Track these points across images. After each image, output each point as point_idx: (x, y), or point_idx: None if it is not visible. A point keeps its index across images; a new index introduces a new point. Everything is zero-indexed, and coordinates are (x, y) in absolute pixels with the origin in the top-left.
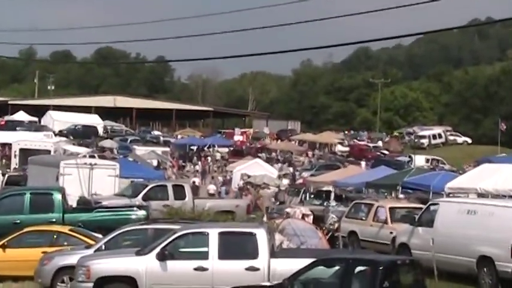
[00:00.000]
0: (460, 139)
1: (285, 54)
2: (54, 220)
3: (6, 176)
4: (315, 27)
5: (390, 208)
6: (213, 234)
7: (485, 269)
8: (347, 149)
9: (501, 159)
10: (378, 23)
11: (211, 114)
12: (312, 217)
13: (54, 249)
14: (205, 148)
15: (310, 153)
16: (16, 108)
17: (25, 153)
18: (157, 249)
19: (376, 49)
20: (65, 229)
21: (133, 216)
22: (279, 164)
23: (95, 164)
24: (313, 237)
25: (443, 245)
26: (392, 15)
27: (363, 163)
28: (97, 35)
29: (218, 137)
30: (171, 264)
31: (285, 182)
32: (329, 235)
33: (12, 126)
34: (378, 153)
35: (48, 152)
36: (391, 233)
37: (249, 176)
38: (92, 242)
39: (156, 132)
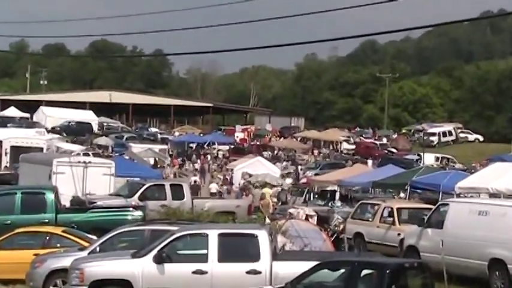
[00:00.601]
0: (471, 137)
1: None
2: (46, 221)
3: None
4: (319, 20)
5: (398, 209)
6: (213, 235)
7: (497, 273)
8: (353, 147)
9: None
10: (385, 15)
11: (210, 110)
12: (316, 218)
13: (46, 252)
14: (205, 146)
15: (316, 151)
16: (7, 104)
17: (16, 150)
18: (154, 252)
19: (384, 42)
20: (58, 230)
21: (129, 217)
22: (283, 163)
23: (89, 162)
24: (317, 239)
25: (454, 247)
26: (400, 7)
27: (370, 162)
28: (92, 27)
29: (218, 134)
30: (168, 267)
31: (288, 181)
32: (334, 237)
33: (2, 122)
34: (386, 151)
35: (41, 149)
36: (398, 234)
37: (250, 175)
38: (86, 244)
39: (154, 129)
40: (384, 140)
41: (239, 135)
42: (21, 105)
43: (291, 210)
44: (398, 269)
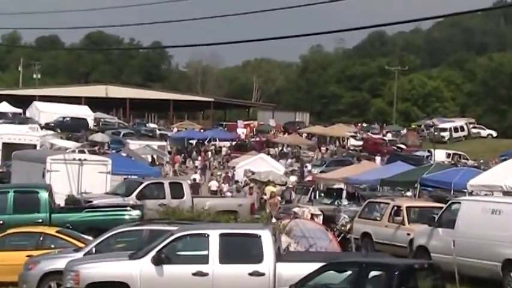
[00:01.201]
0: (484, 132)
1: (293, 39)
2: (40, 221)
3: None
4: (325, 10)
5: (407, 207)
6: (214, 236)
7: (511, 274)
8: (360, 143)
9: None
10: (393, 5)
11: (211, 105)
12: (321, 217)
13: (40, 253)
14: (206, 142)
15: (323, 148)
16: None
17: (9, 147)
18: (153, 253)
19: (392, 33)
20: (52, 230)
21: (126, 217)
22: (288, 160)
23: (85, 160)
24: (323, 239)
25: (465, 247)
26: None
27: (378, 158)
28: (87, 18)
29: (219, 130)
30: (167, 268)
31: (293, 179)
32: (340, 237)
33: None
34: (394, 147)
35: (34, 146)
36: (408, 234)
37: (253, 173)
38: (81, 245)
39: (152, 125)
40: (389, 135)
41: (242, 131)
42: (14, 100)
43: (296, 209)
44: (408, 270)
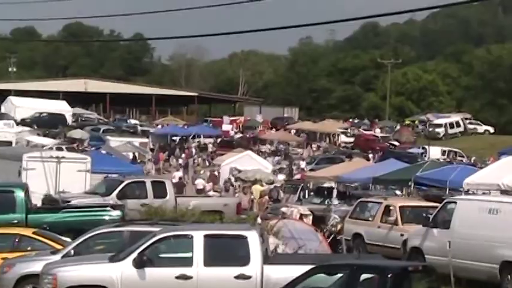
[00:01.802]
0: (481, 128)
1: (281, 31)
2: (15, 221)
3: None
4: (315, 0)
5: (401, 207)
6: (198, 237)
7: (509, 276)
8: (351, 139)
9: None
10: None
11: (196, 99)
12: (311, 217)
13: (15, 255)
14: (190, 139)
15: (314, 145)
16: None
17: None
18: (134, 255)
19: (386, 24)
20: (29, 232)
21: (106, 217)
22: (275, 157)
23: (63, 158)
24: (312, 241)
25: (462, 248)
26: None
27: (370, 156)
28: (65, 8)
29: (204, 126)
30: (149, 271)
31: (281, 177)
32: (331, 238)
33: None
34: (387, 144)
35: (9, 143)
36: (401, 235)
37: (239, 171)
38: (59, 247)
39: (133, 121)
40: (378, 131)
41: (229, 127)
42: None
43: (284, 209)
44: (402, 272)
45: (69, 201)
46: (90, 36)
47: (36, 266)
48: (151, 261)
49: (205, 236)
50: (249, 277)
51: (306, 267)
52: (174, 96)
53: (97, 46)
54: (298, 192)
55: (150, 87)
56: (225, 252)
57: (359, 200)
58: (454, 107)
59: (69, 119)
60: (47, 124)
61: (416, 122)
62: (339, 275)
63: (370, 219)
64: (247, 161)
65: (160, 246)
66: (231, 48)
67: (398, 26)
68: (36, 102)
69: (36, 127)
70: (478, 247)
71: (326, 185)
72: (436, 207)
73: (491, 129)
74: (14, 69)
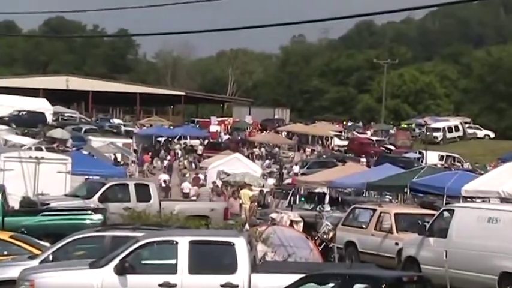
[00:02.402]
0: (481, 132)
1: (273, 28)
2: None
3: None
4: None
5: (396, 214)
6: (183, 243)
7: None
8: (345, 143)
9: None
10: None
11: (182, 99)
12: (301, 224)
13: None
14: (175, 140)
15: (308, 149)
16: None
17: None
18: (116, 261)
19: (382, 23)
20: (5, 236)
21: (87, 221)
22: (266, 161)
23: (42, 158)
24: (303, 248)
25: (459, 258)
26: None
27: (364, 160)
28: (46, 2)
29: (191, 127)
30: (132, 279)
31: (271, 181)
32: (322, 246)
33: None
34: (382, 148)
35: None
36: (396, 244)
37: (227, 175)
38: (37, 252)
39: (116, 121)
40: (367, 133)
41: (216, 128)
42: None
43: (274, 215)
44: (396, 283)
45: (48, 204)
46: (73, 31)
47: (12, 272)
48: (133, 268)
49: (191, 242)
50: (236, 286)
51: (296, 277)
52: (159, 95)
53: (79, 42)
54: (288, 197)
55: (134, 85)
56: (211, 259)
57: (352, 207)
58: (452, 110)
59: (50, 118)
60: (26, 123)
61: (413, 125)
62: (331, 285)
63: (363, 226)
64: (235, 164)
65: (143, 253)
66: (219, 46)
67: (395, 25)
68: (15, 99)
69: (14, 126)
70: (476, 257)
71: (318, 190)
72: (433, 215)
73: (492, 134)
74: None
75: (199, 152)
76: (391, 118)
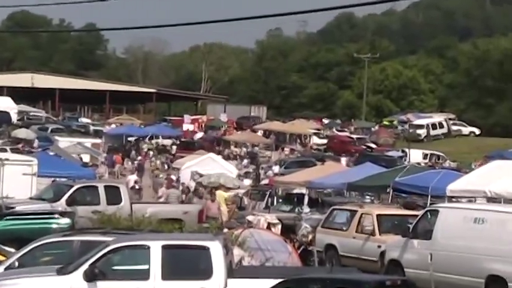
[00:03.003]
0: (466, 129)
1: (248, 22)
2: None
3: None
4: None
5: (378, 216)
6: (156, 248)
7: None
8: (325, 141)
9: None
10: None
11: (154, 96)
12: (279, 227)
13: None
14: (147, 139)
15: (287, 148)
16: None
17: None
18: (85, 267)
19: (362, 15)
20: None
21: (54, 225)
22: (244, 160)
23: (6, 160)
24: (281, 252)
25: (444, 261)
26: None
27: (344, 159)
28: None
29: (163, 126)
30: (102, 285)
31: (247, 182)
32: (301, 249)
33: None
34: (364, 146)
35: None
36: (379, 246)
37: (201, 175)
38: (1, 258)
39: (85, 120)
40: (346, 131)
41: (189, 126)
42: None
43: (250, 218)
44: (379, 287)
45: (13, 208)
46: (38, 26)
47: None
48: (103, 274)
49: (164, 247)
50: None
51: (274, 281)
52: (130, 92)
53: (45, 37)
54: (265, 198)
55: (103, 82)
56: (185, 264)
57: (332, 208)
58: (436, 106)
59: (14, 117)
60: None
61: (396, 122)
62: None
63: (344, 228)
64: (209, 165)
65: (113, 258)
66: (192, 41)
67: (376, 18)
68: None
69: None
70: (462, 260)
71: (296, 191)
72: (417, 215)
73: (477, 131)
74: None
75: (172, 152)
76: (373, 115)
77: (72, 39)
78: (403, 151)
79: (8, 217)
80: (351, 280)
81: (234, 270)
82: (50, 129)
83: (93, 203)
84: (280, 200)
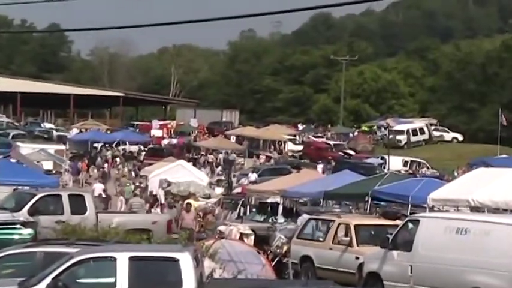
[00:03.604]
0: (448, 135)
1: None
2: None
3: None
4: None
5: (356, 226)
6: (122, 259)
7: None
8: (300, 147)
9: (501, 161)
10: None
11: (121, 100)
12: (253, 237)
13: None
14: (113, 146)
15: (263, 156)
16: None
17: None
18: (48, 280)
19: (340, 16)
20: None
21: (15, 236)
22: (219, 167)
23: None
24: (254, 264)
25: (426, 274)
26: None
27: (321, 166)
28: None
29: (130, 131)
30: None
31: (219, 191)
32: (275, 261)
33: None
34: (341, 153)
35: None
36: (357, 258)
37: (169, 184)
38: None
39: (48, 125)
40: (323, 137)
41: (158, 132)
42: None
43: (222, 228)
44: None
45: None
46: None
47: None
48: None
49: (131, 259)
50: None
51: None
52: (95, 96)
53: (6, 38)
54: (238, 208)
55: (67, 86)
56: (154, 277)
57: (308, 218)
58: (417, 111)
59: None
60: None
61: (375, 128)
62: None
63: (320, 239)
64: (179, 172)
65: (78, 270)
66: (161, 43)
67: (354, 18)
68: None
69: None
70: (444, 272)
71: (270, 200)
72: (397, 226)
73: (460, 137)
74: None
75: (142, 158)
76: (351, 120)
77: (34, 41)
78: (382, 158)
79: None
80: None
81: (204, 283)
82: (11, 135)
83: (56, 213)
84: (254, 210)
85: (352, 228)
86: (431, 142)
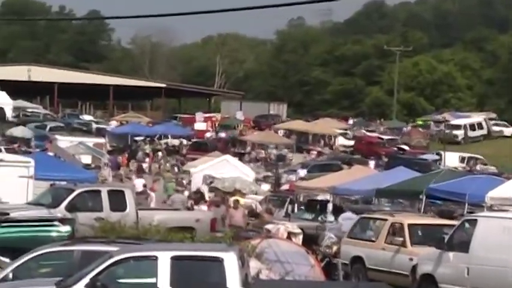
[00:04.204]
0: (508, 130)
1: (267, 10)
2: None
3: None
4: None
5: (410, 225)
6: (164, 259)
7: None
8: (351, 142)
9: None
10: None
11: (163, 92)
12: (301, 237)
13: None
14: (155, 139)
15: (314, 151)
16: None
17: None
18: (86, 280)
19: (393, 4)
20: None
21: (53, 234)
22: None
23: (1, 160)
24: (302, 265)
25: (482, 276)
26: None
27: (373, 162)
28: None
29: (172, 124)
30: None
31: (266, 187)
32: (325, 262)
33: None
34: (395, 148)
35: None
36: (410, 259)
37: (212, 180)
38: None
39: (87, 117)
40: (376, 131)
41: (202, 125)
42: None
43: (269, 227)
44: None
45: (7, 214)
46: (35, 14)
47: None
48: None
49: (173, 258)
50: None
51: None
52: (136, 87)
53: (43, 26)
54: (285, 205)
55: (107, 76)
56: (196, 277)
57: (360, 217)
58: (475, 104)
59: (10, 114)
60: None
61: (430, 122)
62: None
63: (372, 239)
64: (224, 167)
65: (118, 270)
66: (205, 31)
67: (408, 6)
68: None
69: None
70: (502, 274)
71: (320, 197)
72: (453, 225)
73: None
74: None
75: (183, 152)
76: (405, 114)
77: (72, 29)
78: (438, 154)
79: (2, 224)
80: None
81: (250, 284)
82: (48, 127)
83: (95, 209)
84: (302, 208)
85: (405, 227)
86: (490, 137)
